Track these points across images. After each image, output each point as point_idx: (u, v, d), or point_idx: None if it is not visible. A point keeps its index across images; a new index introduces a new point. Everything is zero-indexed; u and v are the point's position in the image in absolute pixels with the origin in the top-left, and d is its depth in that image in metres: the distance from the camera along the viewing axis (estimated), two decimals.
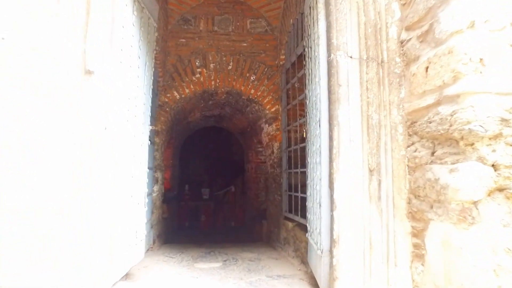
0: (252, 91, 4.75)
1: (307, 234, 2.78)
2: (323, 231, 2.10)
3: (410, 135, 1.95)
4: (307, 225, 2.80)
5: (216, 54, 4.73)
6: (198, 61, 4.69)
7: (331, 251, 1.99)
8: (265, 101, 4.76)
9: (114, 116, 2.12)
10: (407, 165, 1.95)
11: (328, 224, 2.07)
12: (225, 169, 12.53)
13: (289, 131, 4.45)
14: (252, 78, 4.73)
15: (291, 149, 4.17)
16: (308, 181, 2.73)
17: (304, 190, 4.04)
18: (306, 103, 2.88)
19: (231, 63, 4.73)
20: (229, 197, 9.07)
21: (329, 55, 2.14)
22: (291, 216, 4.07)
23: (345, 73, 2.04)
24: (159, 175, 4.71)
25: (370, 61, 2.04)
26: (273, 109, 4.75)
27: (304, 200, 3.83)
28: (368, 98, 2.02)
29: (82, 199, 1.82)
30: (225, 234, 7.27)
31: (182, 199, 8.45)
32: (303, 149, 3.74)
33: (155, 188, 4.54)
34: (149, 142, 3.73)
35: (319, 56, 2.25)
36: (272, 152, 5.04)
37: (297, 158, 4.08)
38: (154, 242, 4.40)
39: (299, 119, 3.86)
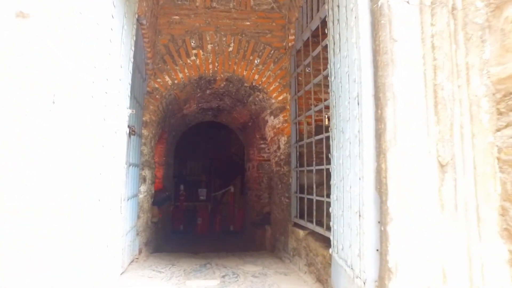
0: (256, 76, 4.11)
1: (331, 250, 2.14)
2: (366, 253, 1.46)
3: (500, 114, 1.31)
4: (331, 237, 2.16)
5: (215, 34, 4.08)
6: (193, 42, 4.04)
7: (382, 285, 1.34)
8: (271, 88, 4.12)
9: (66, 84, 1.47)
10: (497, 158, 1.31)
11: (375, 243, 1.43)
12: (224, 168, 11.93)
13: (299, 123, 3.81)
14: (256, 61, 4.09)
15: (303, 143, 3.53)
16: (334, 181, 2.09)
17: (320, 192, 3.41)
18: (330, 80, 2.25)
19: (231, 44, 4.09)
20: (228, 198, 8.42)
21: (374, 2, 1.50)
22: (302, 222, 3.43)
23: (401, 23, 1.39)
24: (147, 173, 4.06)
25: (437, 7, 1.41)
26: (280, 98, 4.11)
27: (320, 204, 3.19)
28: (435, 60, 1.38)
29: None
30: (223, 240, 6.62)
31: (177, 200, 7.80)
32: (320, 142, 3.10)
33: (142, 188, 3.89)
34: (132, 132, 3.09)
35: (358, 7, 1.61)
36: (278, 148, 4.40)
37: (310, 153, 3.44)
38: (140, 252, 3.75)
39: (314, 107, 3.22)
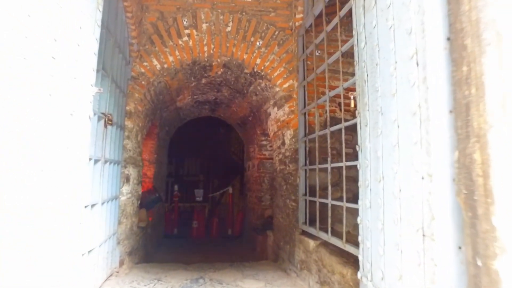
0: (258, 61, 3.57)
1: (359, 274, 1.60)
2: None
3: None
4: (360, 256, 1.62)
5: (211, 12, 3.54)
6: (186, 20, 3.50)
7: None
8: (275, 74, 3.58)
9: None
10: None
11: (456, 284, 0.89)
12: (223, 167, 11.42)
13: (308, 114, 3.27)
14: (258, 43, 3.55)
15: (314, 137, 2.99)
16: (366, 181, 1.56)
17: (335, 195, 2.87)
18: (358, 50, 1.71)
19: (230, 24, 3.55)
20: (226, 199, 7.89)
21: None
22: (312, 231, 2.89)
23: None
24: (132, 171, 3.52)
25: None
26: (285, 85, 3.57)
27: (336, 209, 2.65)
28: None
29: None
30: (220, 246, 6.07)
31: (171, 201, 7.25)
32: (337, 135, 2.57)
33: (125, 189, 3.34)
34: (108, 121, 2.55)
35: None
36: (283, 143, 3.86)
37: (323, 149, 2.91)
38: (122, 264, 3.21)
39: (329, 92, 2.68)
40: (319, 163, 2.86)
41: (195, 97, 5.24)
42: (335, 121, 3.30)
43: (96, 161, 2.41)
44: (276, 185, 4.15)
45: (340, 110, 3.38)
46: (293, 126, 3.47)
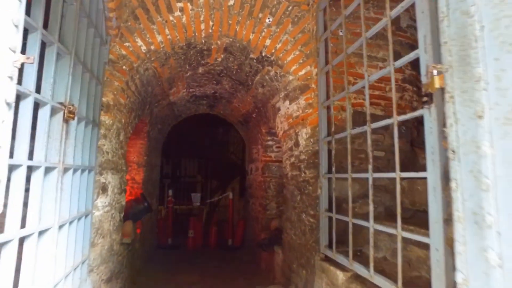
0: (268, 42, 2.89)
1: None
2: None
3: None
4: None
5: None
6: None
7: None
8: (288, 59, 2.90)
9: None
10: None
11: None
12: (221, 168, 10.78)
13: (332, 108, 2.60)
14: (267, 21, 2.87)
15: (343, 137, 2.31)
16: (486, 217, 0.86)
17: (360, 209, 2.20)
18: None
19: None
20: (225, 201, 7.22)
21: None
22: (341, 260, 2.21)
23: None
24: (111, 179, 2.84)
25: None
26: (301, 73, 2.89)
27: (357, 230, 1.98)
28: None
29: None
30: (219, 258, 5.39)
31: (166, 207, 6.57)
32: (363, 136, 1.90)
33: (101, 201, 2.66)
34: (70, 114, 1.87)
35: None
36: (296, 144, 3.19)
37: (358, 152, 2.26)
38: None
39: (368, 76, 2.01)
40: (356, 171, 2.18)
41: (191, 90, 4.56)
42: (363, 116, 2.65)
43: (48, 170, 1.73)
44: (287, 194, 3.47)
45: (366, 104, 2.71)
46: (311, 123, 2.80)
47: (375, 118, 2.66)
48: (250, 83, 3.79)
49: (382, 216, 2.67)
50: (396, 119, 1.66)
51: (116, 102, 2.82)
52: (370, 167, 1.91)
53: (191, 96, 4.85)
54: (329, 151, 2.56)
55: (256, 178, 5.32)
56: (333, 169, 2.40)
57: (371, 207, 1.88)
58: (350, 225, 2.12)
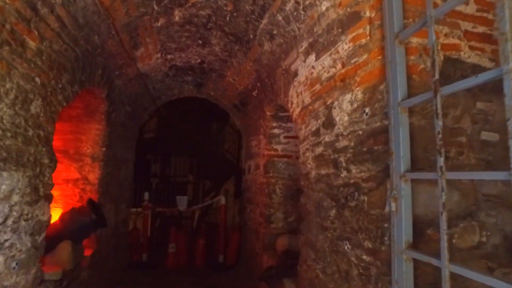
0: None
1: None
2: None
3: None
4: None
5: None
6: None
7: None
8: None
9: None
10: None
11: None
12: (215, 167, 9.58)
13: (410, 47, 1.34)
14: None
15: (423, 101, 1.05)
16: None
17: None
18: None
19: None
20: (217, 204, 6.01)
21: None
22: None
23: None
24: (7, 179, 1.57)
25: None
26: None
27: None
28: None
29: None
30: (208, 282, 4.12)
31: (141, 214, 5.27)
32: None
33: None
34: None
35: None
36: (327, 124, 1.94)
37: (453, 133, 1.06)
38: None
39: None
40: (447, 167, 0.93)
41: (168, 56, 3.29)
42: (458, 68, 1.48)
43: None
44: (308, 205, 2.22)
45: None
46: (365, 81, 1.54)
47: (479, 70, 1.47)
48: (251, 36, 2.53)
49: (501, 253, 1.44)
50: None
51: (17, 43, 1.55)
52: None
53: (171, 67, 3.58)
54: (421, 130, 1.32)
55: (256, 179, 4.06)
56: (423, 162, 1.14)
57: None
58: (446, 275, 0.87)
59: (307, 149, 2.28)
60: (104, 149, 3.32)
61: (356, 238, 1.54)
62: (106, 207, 3.45)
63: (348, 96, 1.70)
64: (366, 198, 1.48)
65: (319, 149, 2.07)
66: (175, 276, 4.44)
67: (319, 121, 2.08)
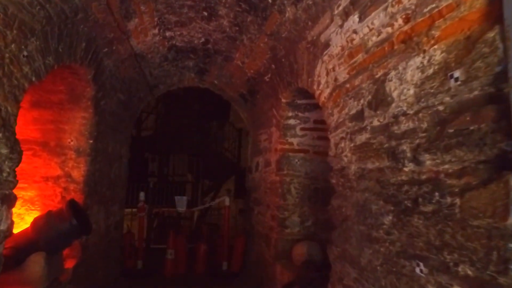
0: None
1: None
2: None
3: None
4: None
5: None
6: None
7: None
8: None
9: None
10: None
11: None
12: (214, 166, 9.15)
13: None
14: None
15: None
16: None
17: None
18: None
19: None
20: (218, 213, 5.52)
21: None
22: None
23: None
24: None
25: None
26: None
27: None
28: None
29: None
30: None
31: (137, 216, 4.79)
32: None
33: None
34: None
35: None
36: (374, 104, 1.47)
37: None
38: None
39: None
40: None
41: (167, 33, 2.81)
42: None
43: None
44: (344, 208, 1.75)
45: None
46: (454, 32, 1.07)
47: None
48: (269, 0, 2.05)
49: None
50: None
51: None
52: None
53: (170, 47, 3.10)
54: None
55: (265, 177, 3.59)
56: None
57: None
58: None
59: (342, 138, 1.81)
60: (91, 141, 2.83)
61: (439, 259, 1.07)
62: (93, 209, 2.96)
63: (416, 61, 1.23)
64: (459, 201, 1.01)
65: (362, 137, 1.60)
66: (174, 286, 3.96)
67: (362, 101, 1.61)
